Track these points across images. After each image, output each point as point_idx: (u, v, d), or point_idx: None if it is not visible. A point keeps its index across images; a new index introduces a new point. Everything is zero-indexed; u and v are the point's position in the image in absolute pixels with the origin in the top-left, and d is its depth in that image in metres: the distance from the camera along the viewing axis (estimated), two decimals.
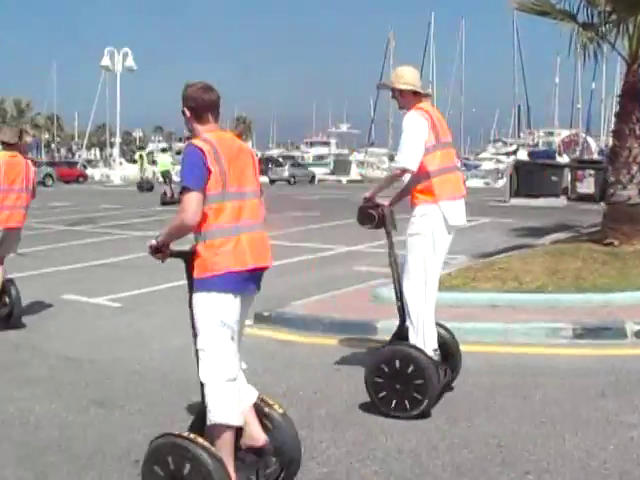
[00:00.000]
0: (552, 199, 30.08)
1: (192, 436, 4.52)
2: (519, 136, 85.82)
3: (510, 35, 78.90)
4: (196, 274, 4.64)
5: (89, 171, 71.22)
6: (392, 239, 6.79)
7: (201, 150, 4.53)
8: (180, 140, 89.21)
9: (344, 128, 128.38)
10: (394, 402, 6.25)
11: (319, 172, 69.77)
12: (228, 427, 4.59)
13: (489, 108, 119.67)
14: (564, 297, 9.79)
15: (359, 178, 68.14)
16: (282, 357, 8.18)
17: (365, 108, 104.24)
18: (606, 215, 13.43)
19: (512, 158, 55.97)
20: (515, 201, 30.39)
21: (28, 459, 5.54)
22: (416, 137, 6.42)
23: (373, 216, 6.80)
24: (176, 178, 26.88)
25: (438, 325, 6.87)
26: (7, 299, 9.70)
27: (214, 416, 4.59)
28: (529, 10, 14.44)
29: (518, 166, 33.36)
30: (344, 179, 67.17)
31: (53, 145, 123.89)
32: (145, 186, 45.96)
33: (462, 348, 7.28)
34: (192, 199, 4.50)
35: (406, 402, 6.20)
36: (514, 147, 78.33)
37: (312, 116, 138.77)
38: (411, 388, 6.17)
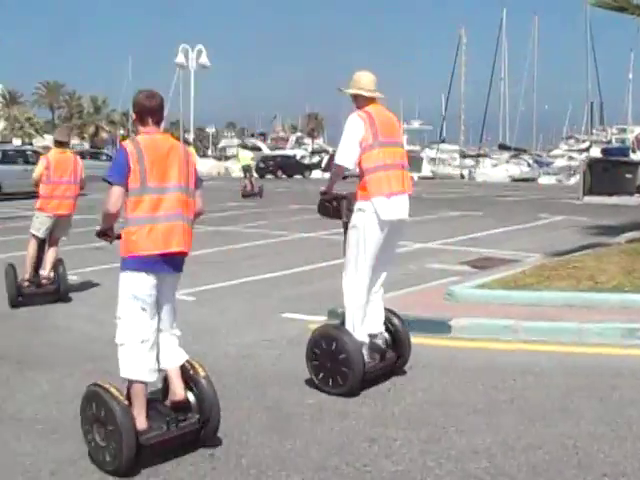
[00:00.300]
0: (626, 197, 29.57)
1: (107, 386, 5.42)
2: (592, 133, 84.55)
3: (583, 31, 77.62)
4: (120, 255, 5.56)
5: None
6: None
7: (126, 151, 5.43)
8: (252, 136, 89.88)
9: (416, 124, 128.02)
10: (330, 380, 6.88)
11: None
12: (138, 381, 5.47)
13: (561, 105, 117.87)
14: None
15: (430, 175, 67.88)
16: None
17: (437, 104, 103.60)
18: None
19: (585, 155, 55.23)
20: (588, 199, 29.95)
21: None
22: (351, 137, 7.03)
23: (329, 208, 7.49)
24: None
25: (391, 312, 7.51)
26: (56, 276, 11.33)
27: (125, 372, 5.54)
28: (606, 6, 14.24)
29: (591, 163, 32.85)
30: (415, 175, 66.81)
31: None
32: (249, 192, 46.86)
33: (535, 347, 7.27)
34: (113, 191, 5.40)
35: (338, 378, 6.82)
36: (587, 144, 77.17)
37: None
38: (339, 364, 6.80)
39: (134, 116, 5.69)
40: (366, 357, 6.98)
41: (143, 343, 5.53)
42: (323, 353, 6.98)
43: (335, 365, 6.85)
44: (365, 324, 7.15)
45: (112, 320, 9.53)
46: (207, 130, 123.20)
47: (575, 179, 47.50)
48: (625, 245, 13.61)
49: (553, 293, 9.76)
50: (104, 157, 61.40)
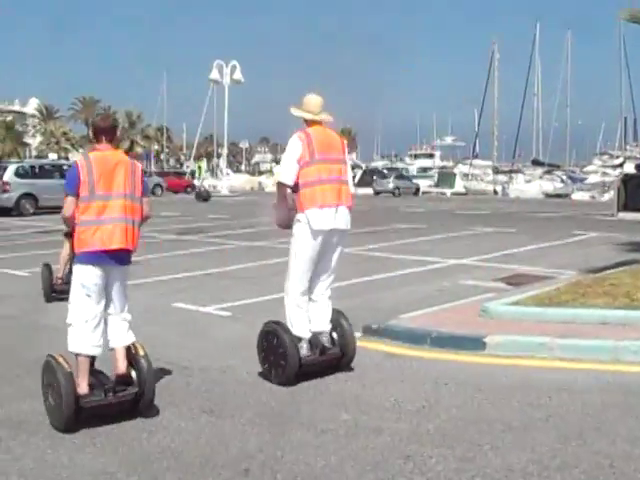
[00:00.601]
0: None
1: (56, 356, 6.49)
2: (625, 149, 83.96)
3: (616, 46, 77.20)
4: (74, 251, 6.74)
5: (197, 181, 72.51)
6: None
7: (77, 166, 6.64)
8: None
9: (449, 140, 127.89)
10: (273, 370, 7.79)
11: (423, 184, 69.63)
12: (82, 354, 6.59)
13: (595, 120, 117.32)
14: None
15: (463, 191, 67.73)
16: (390, 370, 8.17)
17: (469, 120, 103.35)
18: None
19: (619, 171, 54.86)
20: (623, 215, 29.75)
21: (140, 463, 5.69)
22: (289, 156, 7.81)
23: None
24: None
25: (339, 314, 8.31)
26: None
27: (71, 347, 6.65)
28: (639, 21, 14.17)
29: (626, 179, 32.65)
30: (448, 192, 66.86)
31: (162, 156, 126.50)
32: (203, 195, 47.22)
33: (571, 365, 7.25)
34: (67, 201, 6.61)
35: (279, 369, 7.73)
36: (620, 160, 76.64)
37: (416, 128, 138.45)
38: (278, 357, 7.73)
39: (91, 134, 6.96)
40: (305, 351, 7.82)
41: (87, 323, 6.64)
42: (269, 346, 7.91)
43: (276, 358, 7.77)
44: (309, 322, 8.01)
45: (147, 333, 9.67)
46: (240, 145, 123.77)
47: (609, 195, 47.25)
48: None
49: (589, 310, 9.69)
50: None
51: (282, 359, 7.68)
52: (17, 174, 34.15)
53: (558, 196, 61.30)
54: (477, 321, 9.70)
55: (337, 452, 5.86)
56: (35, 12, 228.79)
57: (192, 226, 25.87)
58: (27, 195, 33.49)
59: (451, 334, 9.00)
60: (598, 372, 7.92)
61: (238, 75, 61.20)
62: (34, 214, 32.86)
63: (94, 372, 6.78)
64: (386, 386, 7.55)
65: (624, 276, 11.66)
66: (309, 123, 8.02)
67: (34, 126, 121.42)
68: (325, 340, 7.98)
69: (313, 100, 8.09)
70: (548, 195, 62.37)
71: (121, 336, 6.86)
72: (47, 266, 12.69)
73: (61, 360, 6.43)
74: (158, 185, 58.10)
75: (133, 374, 6.74)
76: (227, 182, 65.10)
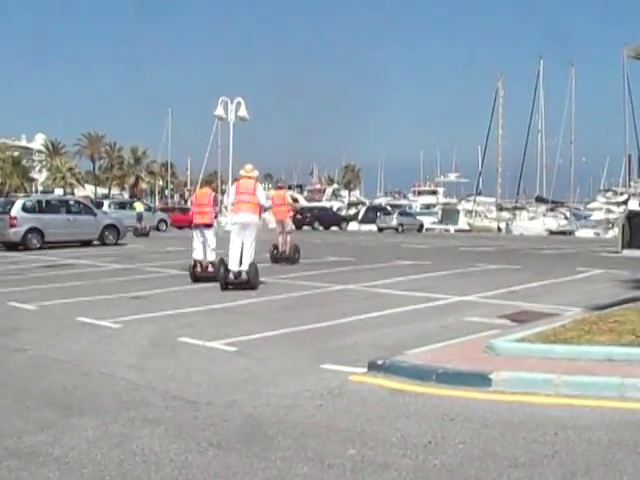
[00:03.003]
0: None
1: None
2: (629, 185, 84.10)
3: (621, 83, 77.61)
4: None
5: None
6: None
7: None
8: (290, 188, 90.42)
9: (452, 177, 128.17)
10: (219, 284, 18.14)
11: (427, 221, 69.79)
12: None
13: (599, 157, 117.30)
14: None
15: (467, 227, 67.88)
16: (396, 405, 8.17)
17: (473, 157, 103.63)
18: None
19: (623, 208, 54.94)
20: (627, 252, 29.77)
21: None
22: (229, 192, 18.04)
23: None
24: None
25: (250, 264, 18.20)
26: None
27: None
28: None
29: (630, 216, 32.70)
30: (452, 228, 67.03)
31: (167, 191, 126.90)
32: (140, 231, 48.03)
33: (576, 402, 7.36)
34: None
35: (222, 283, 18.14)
36: (625, 197, 76.79)
37: (420, 165, 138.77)
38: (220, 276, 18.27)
39: None
40: (231, 275, 18.03)
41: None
42: (222, 269, 18.18)
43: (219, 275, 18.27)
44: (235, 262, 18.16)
45: (154, 368, 9.75)
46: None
47: (613, 232, 47.32)
48: None
49: (594, 347, 9.71)
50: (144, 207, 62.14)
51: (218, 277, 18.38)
52: (24, 209, 34.33)
53: (562, 233, 61.40)
54: (482, 357, 9.72)
55: None
56: (41, 50, 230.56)
57: None
58: (33, 229, 33.65)
59: (457, 370, 9.02)
60: (604, 409, 7.92)
61: (243, 112, 61.28)
62: (40, 248, 32.99)
63: None
64: (392, 422, 7.56)
65: (629, 313, 11.68)
66: (242, 176, 18.88)
67: (40, 161, 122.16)
68: (243, 273, 18.03)
69: (247, 166, 19.06)
70: (552, 232, 62.47)
71: None
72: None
73: None
74: (162, 220, 58.28)
75: None
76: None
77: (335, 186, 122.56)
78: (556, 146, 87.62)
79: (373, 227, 65.42)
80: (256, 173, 19.21)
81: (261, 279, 18.68)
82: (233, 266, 17.94)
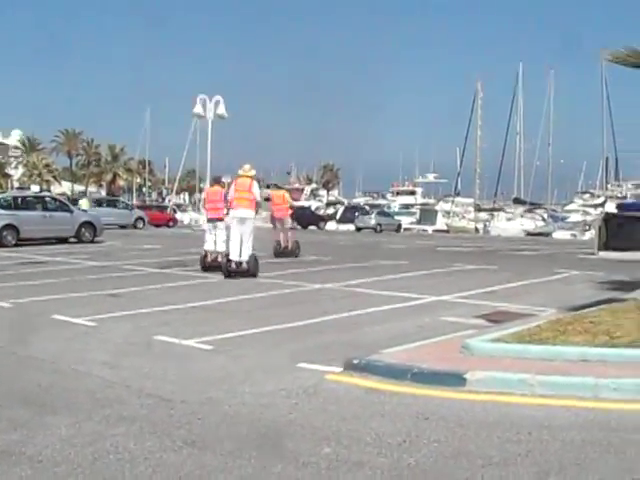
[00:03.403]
0: None
1: None
2: (607, 188, 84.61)
3: (599, 86, 78.09)
4: None
5: (178, 215, 72.67)
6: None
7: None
8: (268, 187, 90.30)
9: (430, 177, 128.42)
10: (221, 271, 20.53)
11: (405, 221, 69.92)
12: None
13: (577, 159, 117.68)
14: None
15: (445, 228, 68.04)
16: (371, 405, 8.18)
17: (452, 158, 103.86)
18: None
19: (600, 210, 55.27)
20: (604, 254, 29.93)
21: None
22: (230, 190, 21.50)
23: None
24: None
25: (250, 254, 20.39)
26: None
27: None
28: (621, 62, 14.27)
29: (607, 218, 32.88)
30: (430, 229, 67.16)
31: (144, 189, 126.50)
32: None
33: (551, 401, 7.42)
34: None
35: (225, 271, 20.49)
36: (602, 199, 77.23)
37: (399, 165, 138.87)
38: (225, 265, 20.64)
39: None
40: (233, 265, 20.06)
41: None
42: (225, 259, 20.62)
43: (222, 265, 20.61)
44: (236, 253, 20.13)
45: (129, 365, 9.74)
46: (223, 180, 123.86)
47: (590, 234, 47.54)
48: None
49: (569, 348, 9.77)
50: (121, 205, 61.95)
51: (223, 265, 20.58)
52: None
53: (539, 234, 61.60)
54: (458, 357, 9.75)
55: None
56: (19, 45, 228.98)
57: (174, 259, 25.87)
58: (9, 226, 33.38)
59: (432, 370, 9.04)
60: (578, 409, 7.97)
61: (222, 110, 61.15)
62: (16, 245, 32.75)
63: None
64: (367, 421, 7.57)
65: (604, 314, 11.75)
66: (240, 175, 21.10)
67: (16, 158, 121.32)
68: (244, 263, 19.99)
69: (245, 165, 21.16)
70: (529, 233, 62.69)
71: None
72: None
73: None
74: (140, 218, 58.05)
75: None
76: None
77: (314, 186, 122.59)
78: (534, 148, 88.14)
79: (351, 227, 65.49)
80: (253, 172, 21.66)
81: (240, 278, 18.67)
82: (234, 256, 20.11)
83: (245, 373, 9.56)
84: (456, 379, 8.78)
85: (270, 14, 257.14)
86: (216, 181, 24.40)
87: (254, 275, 19.98)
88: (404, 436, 7.09)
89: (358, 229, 63.55)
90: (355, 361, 9.53)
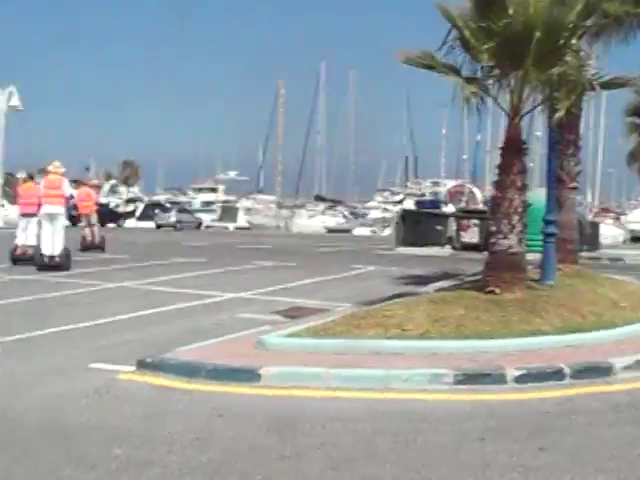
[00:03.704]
0: (437, 248, 30.67)
1: None
2: (406, 186, 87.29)
3: (400, 87, 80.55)
4: None
5: None
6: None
7: None
8: (75, 182, 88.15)
9: (232, 175, 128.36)
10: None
11: (206, 218, 69.60)
12: None
13: (378, 158, 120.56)
14: (446, 344, 9.96)
15: (247, 225, 68.22)
16: (163, 403, 8.07)
17: (254, 155, 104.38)
18: (488, 264, 13.63)
19: (399, 207, 56.92)
20: (401, 250, 30.81)
21: None
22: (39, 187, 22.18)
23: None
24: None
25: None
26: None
27: None
28: (415, 64, 14.63)
29: (405, 215, 33.90)
30: (231, 226, 67.11)
31: None
32: None
33: (343, 394, 7.58)
34: None
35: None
36: (401, 196, 79.57)
37: (199, 161, 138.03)
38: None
39: None
40: (45, 259, 20.25)
41: None
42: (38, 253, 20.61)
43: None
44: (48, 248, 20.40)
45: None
46: (18, 176, 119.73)
47: (389, 230, 48.81)
48: (433, 294, 14.00)
49: (361, 341, 9.97)
50: None
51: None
52: None
53: (340, 231, 62.72)
54: (253, 353, 9.75)
55: None
56: None
57: None
58: None
59: (226, 366, 9.01)
60: (369, 400, 8.15)
61: (15, 101, 59.00)
62: None
63: None
64: (159, 419, 7.48)
65: (397, 308, 12.01)
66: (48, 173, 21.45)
67: None
68: (56, 257, 20.33)
69: (55, 162, 21.77)
70: (331, 230, 63.71)
71: None
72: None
73: None
74: None
75: None
76: (3, 213, 62.60)
77: (113, 182, 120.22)
78: (336, 146, 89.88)
79: (152, 224, 64.63)
80: (63, 169, 22.51)
81: (30, 277, 18.12)
82: (46, 251, 20.58)
83: (34, 376, 9.21)
84: (250, 375, 8.78)
85: None
86: (30, 177, 24.85)
87: (67, 269, 20.61)
88: (197, 433, 7.02)
89: (158, 226, 62.80)
90: (148, 359, 9.35)
